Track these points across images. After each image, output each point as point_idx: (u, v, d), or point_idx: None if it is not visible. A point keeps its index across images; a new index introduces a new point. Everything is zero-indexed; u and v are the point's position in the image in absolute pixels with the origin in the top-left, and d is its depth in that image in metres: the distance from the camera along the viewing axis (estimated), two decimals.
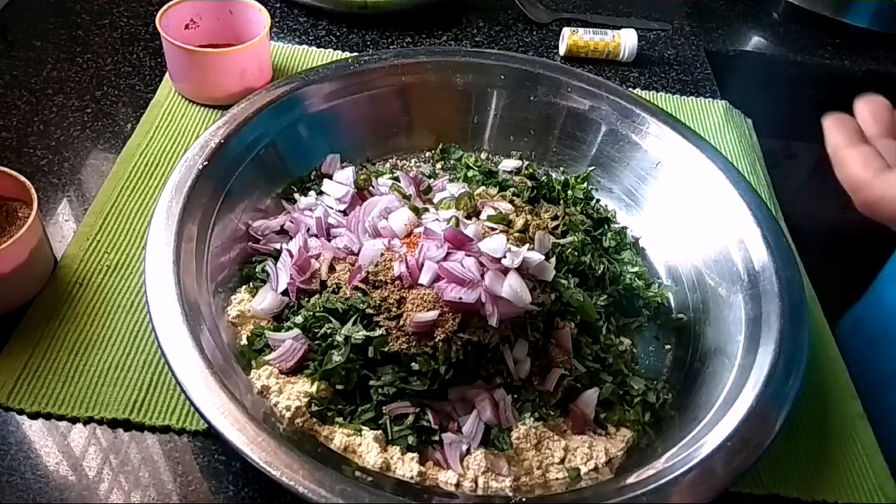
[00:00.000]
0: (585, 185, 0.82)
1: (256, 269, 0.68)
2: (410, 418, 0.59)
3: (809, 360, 0.63)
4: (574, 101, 0.85)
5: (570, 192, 0.81)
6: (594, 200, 0.82)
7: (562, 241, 0.71)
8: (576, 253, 0.71)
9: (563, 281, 0.66)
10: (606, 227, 0.79)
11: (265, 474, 0.50)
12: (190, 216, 0.64)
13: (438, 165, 0.85)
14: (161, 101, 0.88)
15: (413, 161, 0.86)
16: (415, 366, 0.59)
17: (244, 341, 0.63)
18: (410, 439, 0.58)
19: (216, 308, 0.63)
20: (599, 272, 0.72)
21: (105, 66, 0.93)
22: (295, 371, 0.61)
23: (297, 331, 0.62)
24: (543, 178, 0.81)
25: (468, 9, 1.11)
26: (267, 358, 0.61)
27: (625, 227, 0.81)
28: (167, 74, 0.90)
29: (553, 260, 0.66)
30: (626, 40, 1.02)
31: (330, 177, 0.78)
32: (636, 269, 0.75)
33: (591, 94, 0.84)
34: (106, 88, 0.90)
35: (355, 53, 0.93)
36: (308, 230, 0.71)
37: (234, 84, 0.86)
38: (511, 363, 0.61)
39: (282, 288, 0.66)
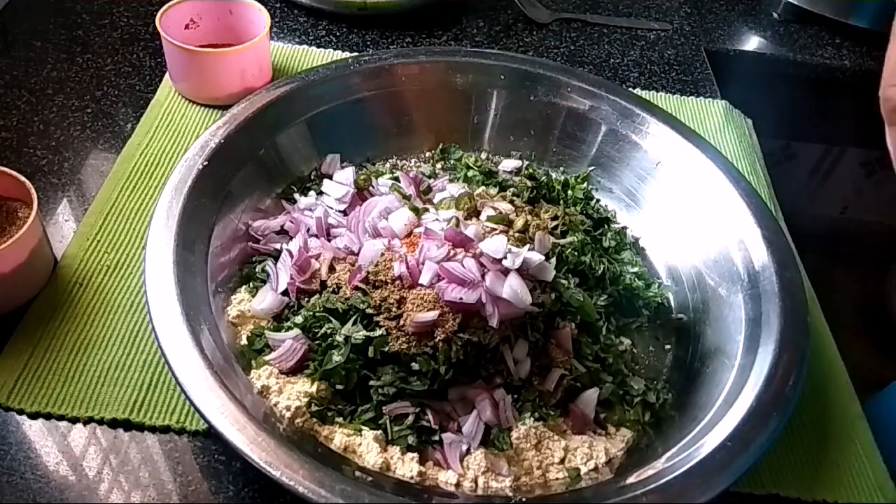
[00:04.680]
0: (585, 185, 0.82)
1: (256, 269, 0.68)
2: (410, 418, 0.59)
3: (809, 360, 0.63)
4: (574, 101, 0.85)
5: (570, 192, 0.81)
6: (594, 200, 0.82)
7: (562, 241, 0.71)
8: (576, 253, 0.71)
9: (563, 281, 0.66)
10: (606, 227, 0.79)
11: (265, 474, 0.50)
12: (190, 216, 0.64)
13: (438, 165, 0.85)
14: (161, 101, 0.88)
15: (413, 161, 0.86)
16: (415, 366, 0.59)
17: (244, 341, 0.63)
18: (410, 439, 0.58)
19: (216, 308, 0.63)
20: (599, 272, 0.72)
21: (105, 66, 0.93)
22: (295, 371, 0.61)
23: (297, 331, 0.62)
24: (543, 178, 0.81)
25: (468, 9, 1.11)
26: (267, 358, 0.61)
27: (625, 227, 0.81)
28: (167, 74, 0.90)
29: (553, 260, 0.66)
30: None
31: (330, 177, 0.78)
32: (636, 269, 0.75)
33: (591, 94, 0.84)
34: (106, 88, 0.90)
35: (355, 53, 0.93)
36: (308, 230, 0.71)
37: (234, 84, 0.86)
38: (511, 363, 0.61)
39: (282, 288, 0.66)
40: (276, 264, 0.67)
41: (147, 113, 0.86)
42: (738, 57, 1.14)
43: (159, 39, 0.86)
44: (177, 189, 0.66)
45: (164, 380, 0.63)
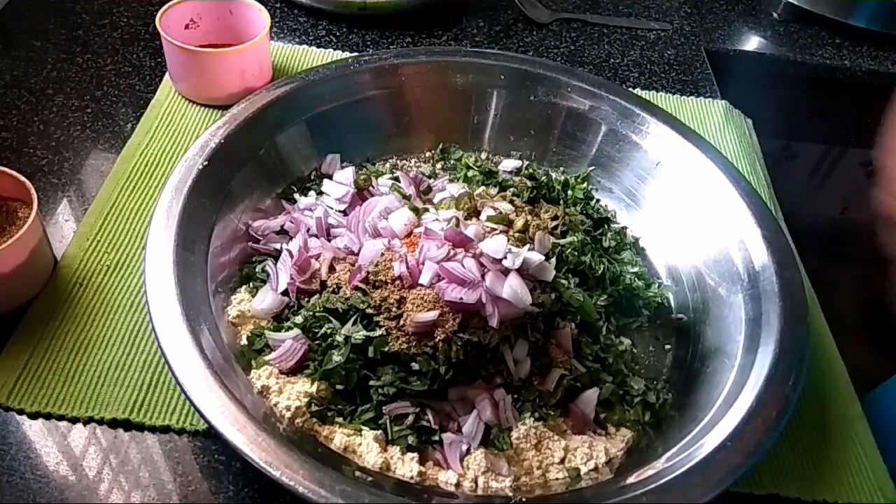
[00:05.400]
0: (585, 185, 0.82)
1: (256, 269, 0.68)
2: (410, 418, 0.59)
3: (809, 360, 0.63)
4: (574, 101, 0.85)
5: (570, 192, 0.81)
6: (594, 200, 0.82)
7: (562, 241, 0.71)
8: (576, 253, 0.71)
9: (563, 281, 0.66)
10: (606, 227, 0.79)
11: (265, 474, 0.50)
12: (190, 216, 0.64)
13: (438, 165, 0.85)
14: (161, 101, 0.88)
15: (413, 161, 0.86)
16: (415, 366, 0.59)
17: (244, 341, 0.63)
18: (410, 439, 0.58)
19: (216, 308, 0.63)
20: (599, 272, 0.72)
21: (105, 66, 0.93)
22: (295, 371, 0.61)
23: (296, 331, 0.62)
24: (543, 178, 0.81)
25: (468, 9, 1.11)
26: (267, 358, 0.61)
27: (625, 227, 0.80)
28: (167, 74, 0.90)
29: (553, 260, 0.65)
30: None
31: (330, 177, 0.78)
32: (636, 269, 0.75)
33: (591, 94, 0.84)
34: (106, 88, 0.90)
35: (355, 53, 0.93)
36: (308, 230, 0.71)
37: (234, 84, 0.86)
38: (511, 363, 0.61)
39: (282, 288, 0.66)
40: (276, 264, 0.67)
41: (147, 113, 0.86)
42: (738, 57, 1.14)
43: (159, 39, 0.86)
44: (177, 189, 0.66)
45: (164, 380, 0.62)
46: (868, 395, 0.77)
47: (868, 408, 0.69)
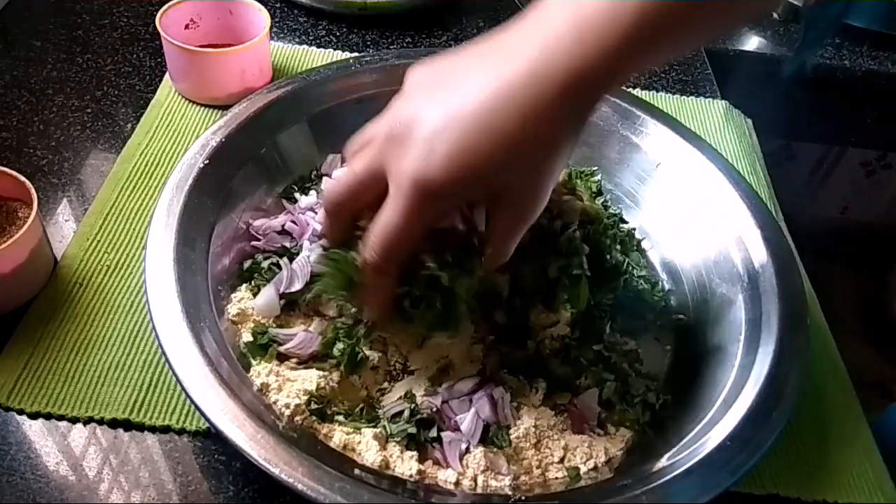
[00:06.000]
0: (598, 178, 0.80)
1: (263, 265, 0.68)
2: (406, 413, 0.59)
3: (809, 360, 0.63)
4: None
5: (579, 183, 0.79)
6: (605, 197, 0.80)
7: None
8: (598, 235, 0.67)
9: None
10: (617, 227, 0.78)
11: (265, 474, 0.50)
12: (191, 215, 0.64)
13: None
14: (161, 101, 0.88)
15: None
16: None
17: (245, 339, 0.63)
18: (411, 430, 0.58)
19: (216, 306, 0.63)
20: (614, 262, 0.69)
21: (105, 66, 0.93)
22: (314, 357, 0.62)
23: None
24: None
25: (468, 9, 1.11)
26: (282, 348, 0.61)
27: (633, 230, 0.80)
28: (167, 74, 0.90)
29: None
30: None
31: (330, 176, 0.78)
32: (643, 272, 0.74)
33: None
34: (106, 88, 0.90)
35: (355, 53, 0.93)
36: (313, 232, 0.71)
37: (234, 84, 0.86)
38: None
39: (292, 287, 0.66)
40: (291, 263, 0.67)
41: (147, 113, 0.86)
42: (738, 57, 1.14)
43: (159, 39, 0.86)
44: (177, 188, 0.66)
45: (164, 380, 0.63)
46: (878, 415, 0.77)
47: (878, 430, 0.69)
